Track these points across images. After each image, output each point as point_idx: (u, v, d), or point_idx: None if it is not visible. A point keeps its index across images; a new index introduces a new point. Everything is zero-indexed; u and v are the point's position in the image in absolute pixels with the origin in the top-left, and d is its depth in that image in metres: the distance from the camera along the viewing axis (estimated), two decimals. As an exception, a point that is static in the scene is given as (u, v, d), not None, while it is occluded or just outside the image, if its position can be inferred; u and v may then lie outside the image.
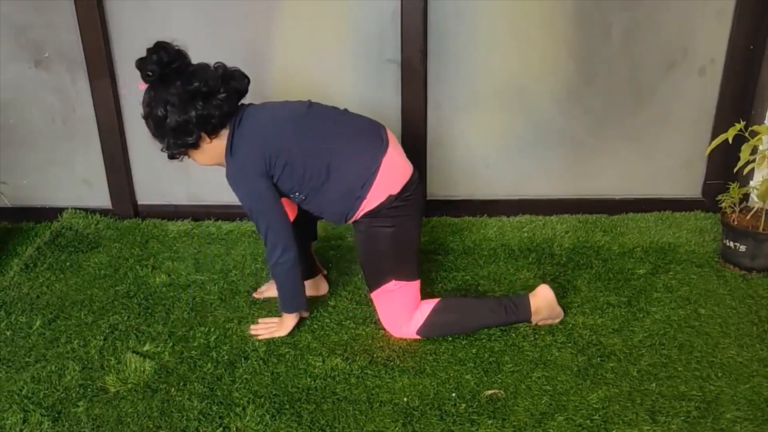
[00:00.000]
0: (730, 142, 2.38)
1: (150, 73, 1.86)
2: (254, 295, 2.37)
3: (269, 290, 2.34)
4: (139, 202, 3.01)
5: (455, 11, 2.65)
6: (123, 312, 2.30)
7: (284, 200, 2.07)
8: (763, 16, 2.60)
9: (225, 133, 1.97)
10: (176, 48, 1.89)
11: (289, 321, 2.14)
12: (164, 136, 1.92)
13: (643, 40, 2.68)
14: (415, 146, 2.81)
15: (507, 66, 2.75)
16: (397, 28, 2.65)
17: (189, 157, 2.03)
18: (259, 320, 2.22)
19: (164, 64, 1.85)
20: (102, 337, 2.16)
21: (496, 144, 2.88)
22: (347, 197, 1.97)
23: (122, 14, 2.71)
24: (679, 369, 1.97)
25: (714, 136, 2.64)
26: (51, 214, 3.00)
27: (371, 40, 2.70)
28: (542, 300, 2.12)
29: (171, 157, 1.99)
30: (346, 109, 2.08)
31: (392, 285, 2.05)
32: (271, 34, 2.75)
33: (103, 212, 2.99)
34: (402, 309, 2.08)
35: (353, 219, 2.02)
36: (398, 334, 2.12)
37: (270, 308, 2.29)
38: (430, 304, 2.10)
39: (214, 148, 1.98)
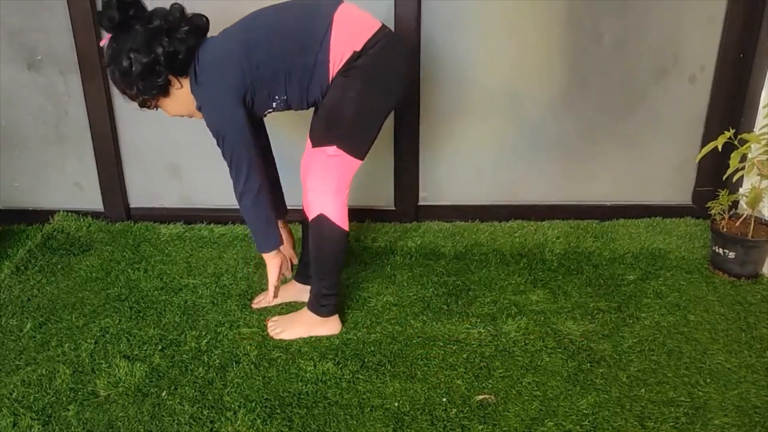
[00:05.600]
0: (720, 149, 2.40)
1: (110, 20, 1.81)
2: (252, 305, 2.35)
3: (264, 300, 2.33)
4: (131, 205, 3.01)
5: (449, 17, 2.66)
6: (114, 315, 2.29)
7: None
8: (753, 25, 2.62)
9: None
10: None
11: (272, 265, 2.09)
12: (132, 84, 1.87)
13: (635, 47, 2.70)
14: (408, 151, 2.83)
15: (499, 72, 2.77)
16: (390, 33, 2.66)
17: (160, 107, 1.98)
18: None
19: (123, 7, 1.80)
20: (93, 341, 2.16)
21: (488, 150, 2.89)
22: (316, 69, 1.90)
23: (116, 17, 2.70)
24: (668, 375, 1.98)
25: (704, 143, 2.67)
26: (42, 216, 3.00)
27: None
28: None
29: (142, 105, 1.94)
30: None
31: (333, 150, 1.96)
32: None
33: (95, 215, 2.99)
34: (331, 179, 1.99)
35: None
36: (313, 199, 2.03)
37: (260, 314, 2.30)
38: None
39: (184, 94, 1.93)
